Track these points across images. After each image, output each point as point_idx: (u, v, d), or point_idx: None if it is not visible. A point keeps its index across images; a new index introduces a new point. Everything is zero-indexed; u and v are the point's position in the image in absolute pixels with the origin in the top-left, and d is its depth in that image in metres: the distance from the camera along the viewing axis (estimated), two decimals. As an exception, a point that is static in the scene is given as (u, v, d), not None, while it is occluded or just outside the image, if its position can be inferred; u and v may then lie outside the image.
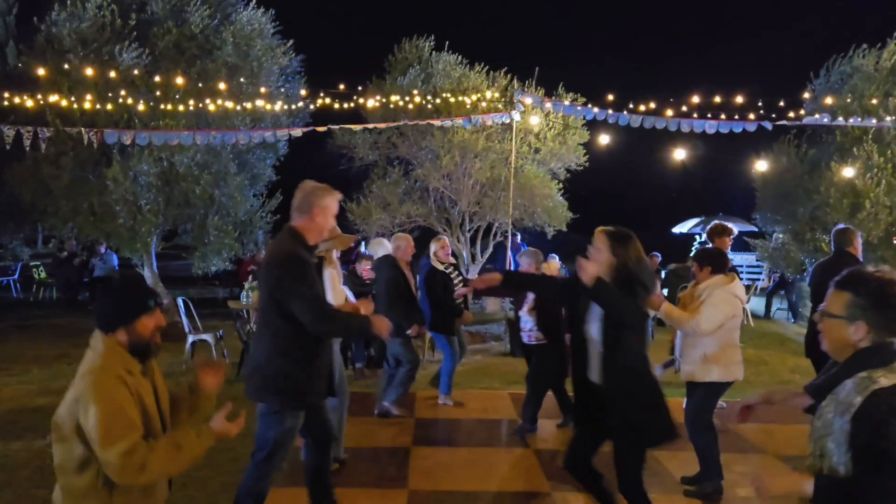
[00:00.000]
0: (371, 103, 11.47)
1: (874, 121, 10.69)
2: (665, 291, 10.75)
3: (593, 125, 12.14)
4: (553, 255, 10.34)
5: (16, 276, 16.16)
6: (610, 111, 10.31)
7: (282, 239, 3.40)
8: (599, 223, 6.99)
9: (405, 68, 12.83)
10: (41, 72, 9.95)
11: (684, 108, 10.28)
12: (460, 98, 11.87)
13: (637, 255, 3.39)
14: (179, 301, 8.86)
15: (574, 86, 12.16)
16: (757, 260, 16.48)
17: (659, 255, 13.14)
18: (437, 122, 11.41)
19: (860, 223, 10.77)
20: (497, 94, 12.32)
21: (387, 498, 4.51)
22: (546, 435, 5.85)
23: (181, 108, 10.29)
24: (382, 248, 6.78)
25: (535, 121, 12.05)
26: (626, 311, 3.29)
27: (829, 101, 11.31)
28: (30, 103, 9.67)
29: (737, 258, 17.12)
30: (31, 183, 10.77)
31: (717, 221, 5.82)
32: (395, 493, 4.57)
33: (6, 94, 9.65)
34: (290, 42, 12.34)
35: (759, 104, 10.26)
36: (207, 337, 8.43)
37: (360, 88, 11.50)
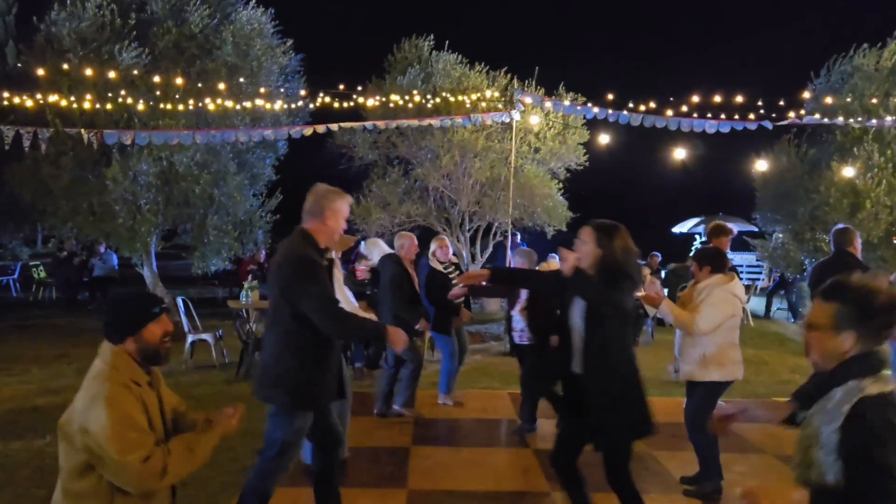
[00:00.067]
0: (371, 103, 11.47)
1: (874, 121, 10.68)
2: (665, 291, 10.75)
3: (593, 125, 12.15)
4: (553, 254, 10.33)
5: (15, 276, 16.17)
6: (610, 110, 10.30)
7: (293, 241, 3.42)
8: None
9: (405, 68, 12.83)
10: (41, 71, 9.94)
11: (684, 108, 10.28)
12: (460, 97, 11.87)
13: (623, 248, 3.35)
14: (179, 301, 8.86)
15: (574, 85, 12.18)
16: (757, 260, 16.49)
17: (659, 254, 13.14)
18: (436, 121, 11.39)
19: (860, 223, 10.77)
20: (497, 94, 12.32)
21: (386, 497, 4.51)
22: (546, 435, 5.85)
23: (181, 107, 10.28)
24: (377, 248, 6.78)
25: (534, 120, 12.05)
26: (604, 302, 3.29)
27: (829, 100, 11.30)
28: (29, 103, 9.67)
29: (737, 258, 17.13)
30: (31, 183, 10.76)
31: (716, 221, 5.82)
32: (394, 493, 4.57)
33: (6, 94, 9.64)
34: (290, 41, 12.34)
35: (760, 103, 10.26)
36: (207, 337, 8.43)
37: (359, 88, 11.49)
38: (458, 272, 6.81)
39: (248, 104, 10.75)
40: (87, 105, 9.76)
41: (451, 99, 11.85)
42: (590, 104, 11.00)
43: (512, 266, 6.17)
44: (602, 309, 3.31)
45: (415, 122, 11.16)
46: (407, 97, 11.63)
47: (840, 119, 10.74)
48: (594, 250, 3.36)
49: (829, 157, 11.91)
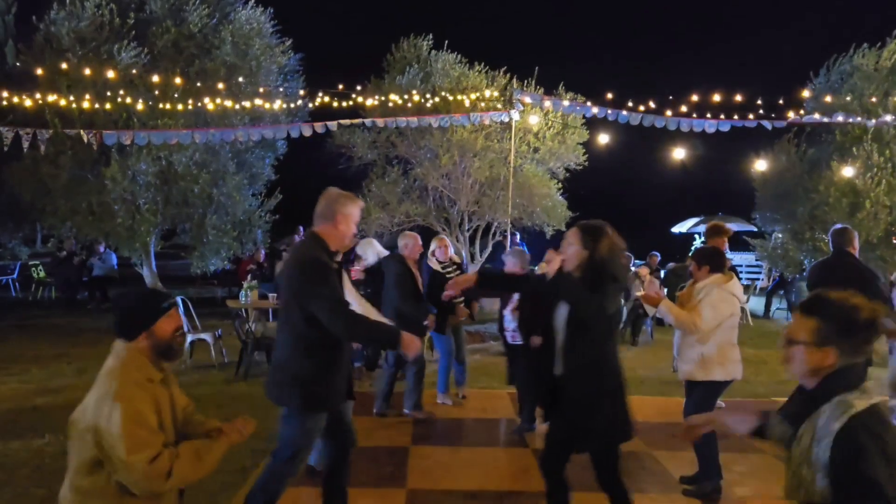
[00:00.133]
0: (370, 102, 11.47)
1: (873, 120, 10.69)
2: (664, 291, 10.75)
3: (592, 124, 12.15)
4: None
5: (15, 276, 16.15)
6: (609, 109, 10.30)
7: (304, 244, 3.46)
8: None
9: (404, 67, 12.83)
10: (39, 71, 9.94)
11: (684, 108, 10.28)
12: (459, 97, 11.87)
13: (609, 249, 3.34)
14: (178, 300, 8.84)
15: (573, 85, 12.19)
16: (756, 259, 16.50)
17: (658, 254, 13.13)
18: (434, 120, 11.39)
19: (859, 223, 10.78)
20: (496, 94, 12.32)
21: (386, 497, 4.50)
22: (545, 434, 5.84)
23: (180, 107, 10.28)
24: (372, 248, 6.78)
25: (534, 120, 12.05)
26: (588, 307, 3.29)
27: (828, 99, 11.31)
28: (29, 103, 9.67)
29: (736, 258, 17.14)
30: (30, 182, 10.77)
31: (714, 221, 5.84)
32: (393, 493, 4.57)
33: (5, 94, 9.64)
34: (289, 41, 12.35)
35: (759, 103, 10.27)
36: (206, 336, 8.43)
37: (358, 87, 11.50)
38: (458, 272, 6.81)
39: (247, 104, 10.76)
40: (86, 105, 9.76)
41: (451, 98, 11.86)
42: (589, 103, 11.00)
43: (505, 265, 6.16)
44: (585, 313, 3.31)
45: (414, 120, 11.16)
46: (406, 96, 11.63)
47: (840, 117, 10.73)
48: (580, 251, 3.36)
49: (829, 156, 11.92)
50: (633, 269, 12.14)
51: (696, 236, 18.84)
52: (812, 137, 12.66)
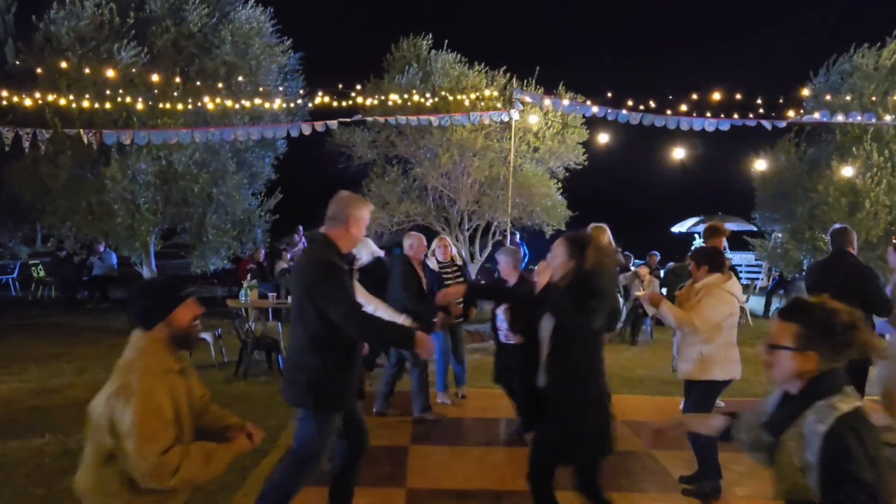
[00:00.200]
0: (369, 102, 11.47)
1: (873, 119, 10.69)
2: (664, 290, 10.75)
3: (592, 124, 12.14)
4: None
5: (15, 275, 16.15)
6: (609, 108, 10.30)
7: (316, 247, 3.52)
8: (598, 222, 6.97)
9: (403, 67, 12.82)
10: (39, 70, 9.94)
11: (684, 107, 10.27)
12: (459, 97, 11.87)
13: (595, 261, 3.33)
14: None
15: (573, 84, 12.17)
16: (756, 259, 16.49)
17: (658, 253, 13.14)
18: (434, 119, 11.39)
19: (859, 222, 10.79)
20: (496, 93, 12.31)
21: (385, 497, 4.50)
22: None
23: (179, 106, 10.28)
24: (366, 247, 6.78)
25: (533, 119, 12.04)
26: (574, 322, 3.29)
27: (828, 98, 11.31)
28: (28, 102, 9.66)
29: (736, 257, 17.14)
30: (30, 181, 10.77)
31: (711, 222, 5.88)
32: (393, 492, 4.57)
33: (5, 93, 9.64)
34: (289, 40, 12.34)
35: (759, 102, 10.27)
36: (206, 336, 8.42)
37: (358, 87, 11.50)
38: (458, 272, 6.82)
39: (246, 103, 10.76)
40: (85, 104, 9.76)
41: (450, 98, 11.85)
42: (589, 102, 10.99)
43: (497, 263, 6.14)
44: (571, 327, 3.31)
45: (414, 119, 11.15)
46: (406, 96, 11.63)
47: (839, 117, 10.73)
48: (566, 263, 3.37)
49: (829, 156, 11.92)
50: (633, 268, 12.15)
51: (696, 236, 18.83)
52: (812, 137, 12.66)
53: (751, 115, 10.10)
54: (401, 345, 4.62)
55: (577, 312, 3.25)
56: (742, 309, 4.79)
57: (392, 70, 13.03)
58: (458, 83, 12.53)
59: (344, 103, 11.23)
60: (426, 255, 6.71)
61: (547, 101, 11.30)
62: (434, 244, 6.75)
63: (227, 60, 11.17)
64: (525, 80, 12.20)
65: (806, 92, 11.58)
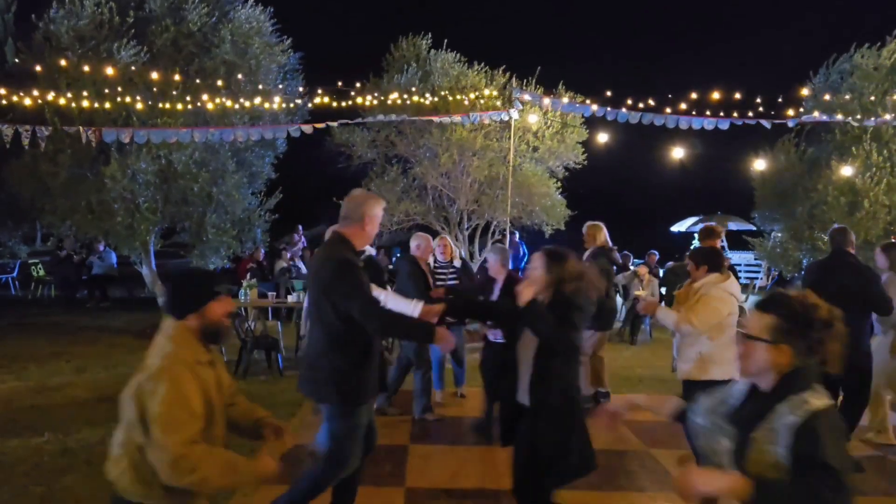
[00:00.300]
0: (369, 101, 11.47)
1: (873, 119, 10.69)
2: (663, 290, 10.76)
3: (592, 123, 12.14)
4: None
5: (14, 274, 16.16)
6: (609, 108, 10.30)
7: (332, 245, 3.56)
8: (595, 221, 6.95)
9: (403, 66, 12.82)
10: (39, 69, 9.94)
11: (683, 106, 10.27)
12: (459, 97, 11.87)
13: (573, 275, 3.35)
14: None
15: (573, 84, 12.17)
16: (755, 258, 16.51)
17: (657, 253, 13.15)
18: (435, 119, 11.39)
19: (858, 222, 10.80)
20: (495, 93, 12.31)
21: (384, 496, 4.51)
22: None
23: (179, 105, 10.27)
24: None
25: (533, 119, 12.05)
26: (555, 338, 3.29)
27: (827, 98, 11.31)
28: (28, 101, 9.66)
29: (735, 257, 17.16)
30: (30, 181, 10.76)
31: (707, 223, 5.94)
32: (392, 492, 4.58)
33: (4, 92, 9.64)
34: (289, 40, 12.34)
35: (759, 102, 10.27)
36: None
37: (357, 86, 11.49)
38: (453, 273, 6.84)
39: (246, 103, 10.76)
40: (85, 103, 9.75)
41: (450, 98, 11.85)
42: (588, 102, 10.99)
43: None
44: (552, 344, 3.32)
45: (414, 118, 11.16)
46: (405, 95, 11.63)
47: (838, 116, 10.73)
48: (544, 276, 3.38)
49: (828, 156, 11.92)
50: (632, 267, 12.15)
51: (696, 235, 18.85)
52: (811, 137, 12.66)
53: (750, 114, 10.10)
54: (420, 338, 4.65)
55: (559, 328, 3.27)
56: (741, 308, 4.79)
57: (391, 69, 13.03)
58: (458, 83, 12.53)
59: (343, 103, 11.23)
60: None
61: (546, 101, 11.30)
62: (434, 243, 6.76)
63: (227, 60, 11.17)
64: (525, 80, 12.21)
65: (805, 92, 11.58)
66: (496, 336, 5.86)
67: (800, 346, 1.95)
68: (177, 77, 10.27)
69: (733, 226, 18.43)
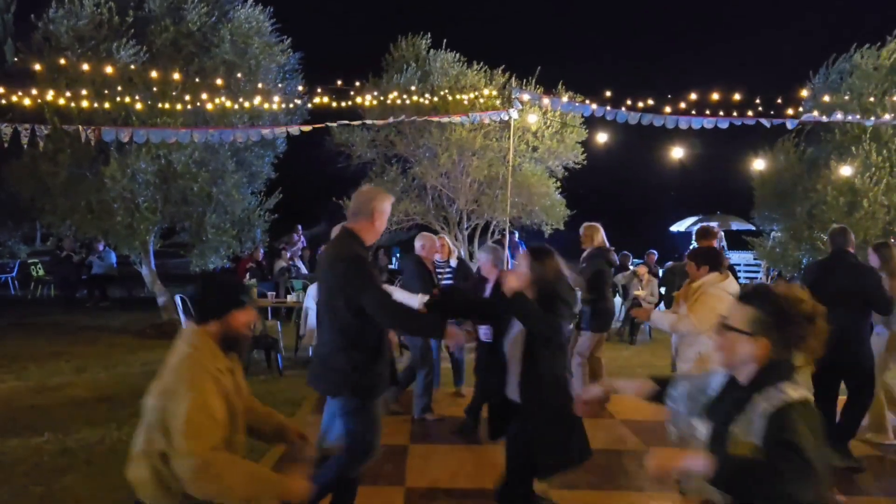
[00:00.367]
0: (369, 101, 11.46)
1: (872, 119, 10.69)
2: (663, 290, 10.77)
3: (591, 123, 12.14)
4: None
5: (14, 274, 16.16)
6: (608, 108, 10.29)
7: (341, 241, 3.59)
8: (596, 221, 6.97)
9: (402, 66, 12.82)
10: (38, 68, 9.94)
11: (683, 105, 10.27)
12: (458, 96, 11.87)
13: (555, 273, 3.52)
14: (177, 298, 8.86)
15: (573, 84, 12.15)
16: (755, 258, 16.51)
17: (656, 252, 13.16)
18: (435, 119, 11.39)
19: (857, 222, 10.79)
20: (495, 92, 12.31)
21: (384, 496, 4.51)
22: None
23: (179, 105, 10.27)
24: None
25: (532, 119, 12.05)
26: (542, 324, 3.37)
27: (827, 98, 11.31)
28: (27, 100, 9.65)
29: (734, 256, 17.16)
30: (29, 180, 10.75)
31: (702, 224, 5.97)
32: (391, 491, 4.58)
33: (3, 91, 9.63)
34: (288, 40, 12.33)
35: (758, 101, 10.26)
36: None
37: (357, 85, 11.49)
38: (448, 273, 6.86)
39: (246, 103, 10.75)
40: (84, 103, 9.74)
41: (450, 98, 11.85)
42: (587, 102, 10.99)
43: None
44: (540, 330, 3.39)
45: (414, 118, 11.15)
46: (405, 95, 11.62)
47: (838, 116, 10.72)
48: (528, 274, 3.50)
49: (828, 156, 11.92)
50: (631, 267, 12.16)
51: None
52: (811, 137, 12.66)
53: (750, 113, 10.10)
54: (430, 334, 4.68)
55: (546, 315, 3.36)
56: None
57: (391, 69, 13.02)
58: (457, 82, 12.53)
59: (343, 103, 11.22)
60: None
61: (546, 101, 11.29)
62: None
63: (227, 60, 11.16)
64: (525, 80, 12.21)
65: (805, 92, 11.57)
66: (488, 336, 5.86)
67: (777, 340, 1.94)
68: (176, 77, 10.26)
69: (733, 225, 18.44)
